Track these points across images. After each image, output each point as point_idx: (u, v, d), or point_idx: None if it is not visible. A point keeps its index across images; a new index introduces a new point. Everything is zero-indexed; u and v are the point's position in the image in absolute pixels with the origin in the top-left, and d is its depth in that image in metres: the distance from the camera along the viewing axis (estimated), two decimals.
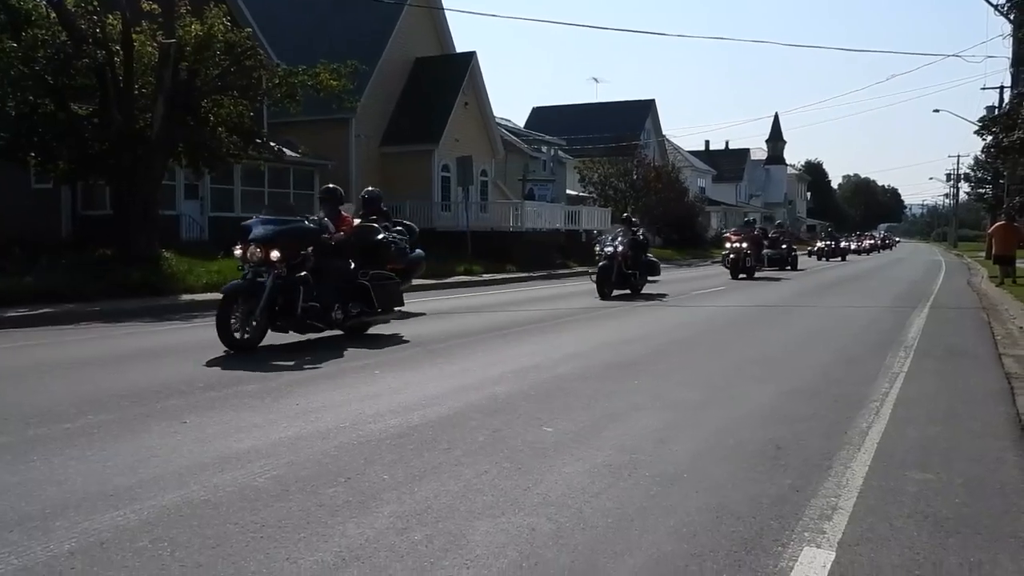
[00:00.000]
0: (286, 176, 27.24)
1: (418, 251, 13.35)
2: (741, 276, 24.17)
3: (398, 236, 12.31)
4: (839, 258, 45.80)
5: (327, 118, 26.73)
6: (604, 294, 16.23)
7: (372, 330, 10.32)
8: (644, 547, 3.48)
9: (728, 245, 25.68)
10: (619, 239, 17.02)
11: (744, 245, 24.42)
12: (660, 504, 4.01)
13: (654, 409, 6.15)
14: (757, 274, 25.44)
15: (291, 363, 8.01)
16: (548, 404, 6.28)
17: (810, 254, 45.56)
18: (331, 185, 11.18)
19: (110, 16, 16.33)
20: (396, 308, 10.53)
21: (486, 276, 22.37)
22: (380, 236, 10.85)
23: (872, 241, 71.36)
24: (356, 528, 3.66)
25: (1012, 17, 22.82)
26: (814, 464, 4.71)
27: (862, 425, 5.68)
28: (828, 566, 3.30)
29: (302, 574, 3.20)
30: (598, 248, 17.25)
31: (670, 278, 23.13)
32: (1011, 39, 24.52)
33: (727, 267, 25.22)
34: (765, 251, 29.10)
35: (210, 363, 7.84)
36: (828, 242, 47.07)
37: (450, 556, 3.37)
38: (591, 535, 3.61)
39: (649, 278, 17.81)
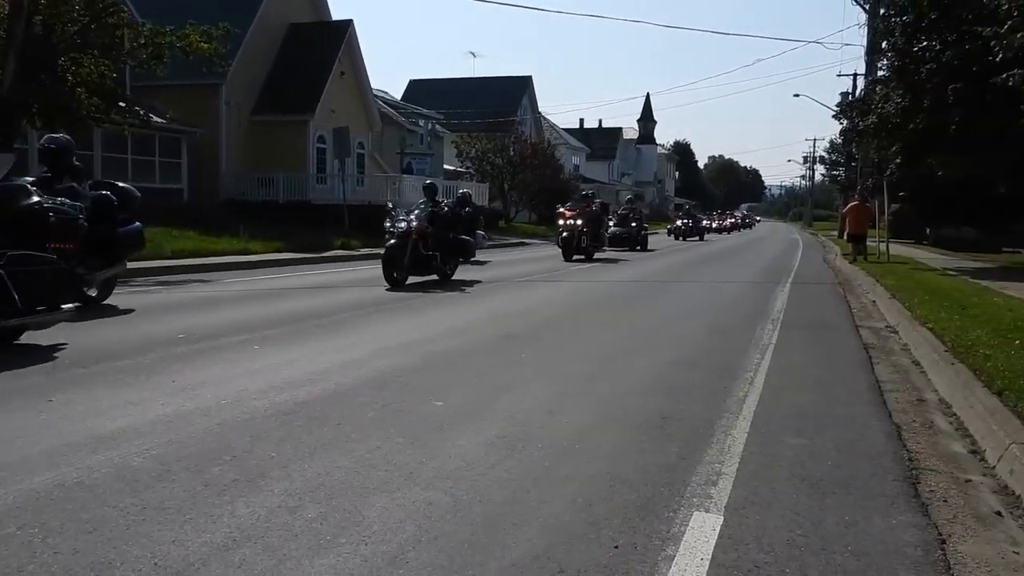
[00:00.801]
0: (151, 143, 25.91)
1: (134, 224, 10.54)
2: (577, 257, 21.20)
3: (66, 204, 8.63)
4: (697, 237, 42.94)
5: (196, 83, 25.52)
6: (394, 281, 13.02)
7: (247, 303, 9.98)
8: (542, 517, 3.51)
9: (561, 222, 21.92)
10: (415, 212, 14.09)
11: (579, 222, 21.48)
12: (555, 475, 4.06)
13: (543, 381, 6.22)
14: (598, 255, 22.76)
15: (163, 338, 7.63)
16: (438, 378, 6.25)
17: (669, 232, 44.12)
18: None
19: None
20: (67, 305, 7.41)
21: (364, 251, 21.98)
22: (30, 201, 7.40)
23: (733, 220, 71.04)
24: (246, 507, 3.53)
25: (868, 7, 24.14)
26: (698, 432, 4.87)
27: (739, 394, 5.92)
28: (717, 529, 3.42)
29: (190, 556, 3.05)
30: (388, 224, 13.95)
31: (520, 257, 23.45)
32: (866, 28, 25.98)
33: (560, 247, 21.91)
34: (612, 229, 27.23)
35: (73, 338, 7.35)
36: (686, 220, 44.42)
37: (346, 533, 3.30)
38: (489, 507, 3.61)
39: (462, 260, 15.49)
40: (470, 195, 17.96)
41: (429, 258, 13.78)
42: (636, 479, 4.00)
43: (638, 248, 28.16)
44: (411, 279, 13.56)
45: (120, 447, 4.29)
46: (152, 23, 17.68)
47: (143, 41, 17.15)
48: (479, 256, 17.40)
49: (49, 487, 3.69)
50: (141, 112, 19.13)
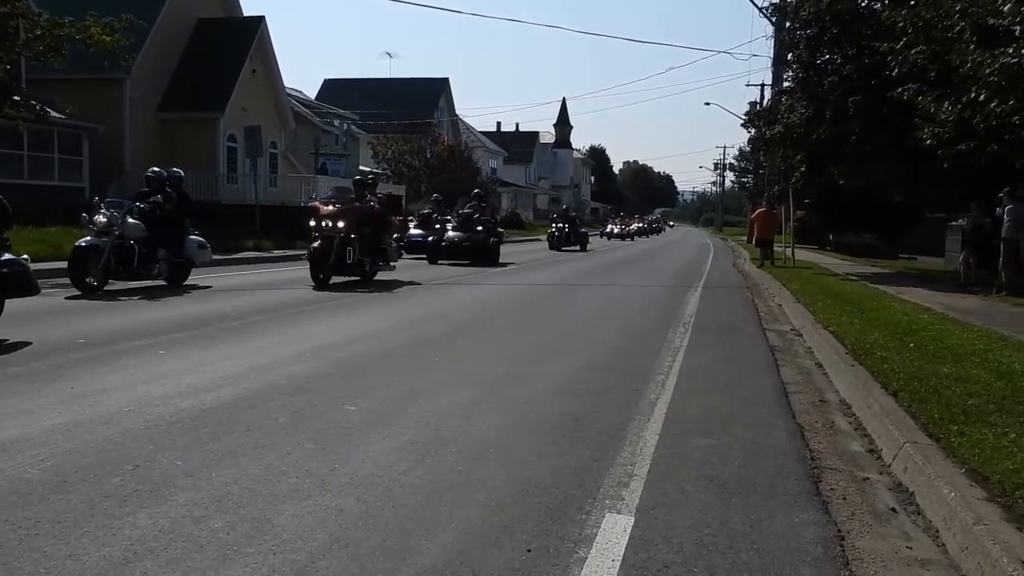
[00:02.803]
0: (49, 139, 24.80)
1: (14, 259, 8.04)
2: (337, 280, 13.55)
3: None
4: (577, 247, 32.65)
5: (98, 77, 24.63)
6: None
7: (153, 306, 9.64)
8: (455, 522, 3.49)
9: (312, 224, 13.73)
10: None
11: (340, 225, 13.42)
12: (468, 479, 4.05)
13: (457, 386, 6.20)
14: (387, 274, 15.32)
15: (61, 344, 7.31)
16: (350, 383, 6.16)
17: (549, 239, 33.91)
18: None
19: None
20: None
21: (277, 252, 21.54)
22: None
23: (640, 225, 68.25)
24: (148, 518, 3.40)
25: (774, 19, 24.90)
26: (610, 435, 4.93)
27: (651, 396, 6.03)
28: (628, 530, 3.47)
29: (87, 572, 2.93)
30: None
31: (420, 262, 23.36)
32: (773, 40, 26.82)
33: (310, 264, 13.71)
34: (450, 234, 21.21)
35: None
36: (560, 225, 33.17)
37: (254, 542, 3.21)
38: (401, 513, 3.58)
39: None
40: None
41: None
42: (549, 482, 4.03)
43: (481, 262, 20.22)
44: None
45: (12, 458, 4.08)
46: (50, 13, 16.91)
47: (40, 32, 16.37)
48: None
49: None
50: (37, 106, 18.21)
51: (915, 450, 4.29)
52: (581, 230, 34.66)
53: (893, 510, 3.88)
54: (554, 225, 34.45)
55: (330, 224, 13.43)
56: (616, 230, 53.68)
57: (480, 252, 20.65)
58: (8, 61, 16.75)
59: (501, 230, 24.46)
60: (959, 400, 5.32)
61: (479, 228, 21.13)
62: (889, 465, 4.50)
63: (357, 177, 17.69)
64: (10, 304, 7.94)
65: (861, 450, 4.88)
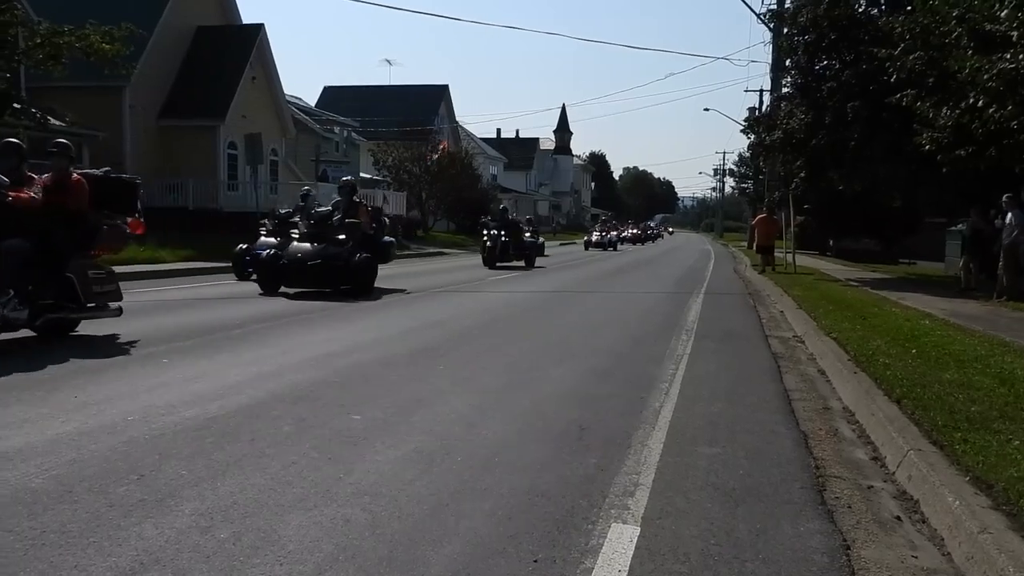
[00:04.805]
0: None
1: None
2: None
3: None
4: (522, 262, 24.71)
5: (97, 85, 24.55)
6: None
7: (157, 314, 9.63)
8: (461, 532, 3.49)
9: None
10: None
11: None
12: (474, 488, 4.04)
13: (461, 393, 6.20)
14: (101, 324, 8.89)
15: (61, 353, 7.30)
16: (353, 391, 6.16)
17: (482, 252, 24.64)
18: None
19: None
20: None
21: None
22: None
23: (635, 231, 63.68)
24: (154, 529, 3.40)
25: (772, 26, 24.98)
26: (615, 443, 4.93)
27: (655, 404, 6.03)
28: (635, 540, 3.46)
29: None
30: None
31: (439, 267, 23.42)
32: (771, 46, 26.87)
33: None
34: (296, 247, 13.63)
35: None
36: (496, 232, 24.21)
37: (261, 553, 3.21)
38: (408, 523, 3.57)
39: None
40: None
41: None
42: (555, 491, 4.03)
43: (348, 288, 13.32)
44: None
45: (17, 468, 4.08)
46: (49, 22, 16.96)
47: (39, 41, 16.45)
48: (395, 267, 17.29)
49: None
50: (38, 114, 18.27)
51: (919, 458, 4.29)
52: (527, 237, 25.43)
53: (898, 518, 3.88)
54: (487, 233, 24.49)
55: None
56: (596, 238, 45.70)
57: (337, 275, 13.18)
58: (8, 69, 16.83)
59: (391, 239, 16.75)
60: (962, 407, 5.32)
61: (341, 236, 13.50)
62: (893, 473, 4.50)
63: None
64: None
65: (865, 458, 4.88)
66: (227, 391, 5.95)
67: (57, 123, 22.17)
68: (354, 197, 14.77)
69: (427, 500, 3.85)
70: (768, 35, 27.86)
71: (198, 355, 7.48)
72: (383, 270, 15.21)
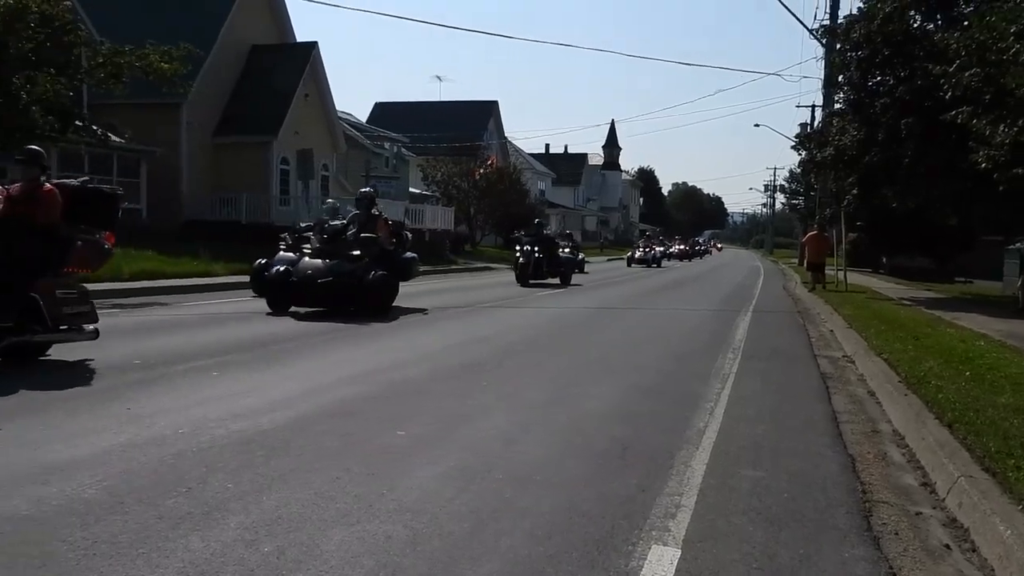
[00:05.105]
0: (109, 162, 25.55)
1: None
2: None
3: None
4: (557, 279, 22.57)
5: (155, 102, 25.26)
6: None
7: (209, 327, 9.82)
8: (501, 551, 3.50)
9: None
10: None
11: None
12: (514, 506, 4.06)
13: (504, 410, 6.21)
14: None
15: (118, 364, 7.50)
16: (400, 406, 6.22)
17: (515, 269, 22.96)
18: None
19: None
20: None
21: None
22: None
23: (681, 247, 61.54)
24: (200, 541, 3.48)
25: (825, 41, 24.69)
26: (657, 463, 4.90)
27: (699, 424, 5.97)
28: (675, 563, 3.44)
29: None
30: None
31: (484, 282, 23.40)
32: (823, 61, 26.53)
33: None
34: (306, 263, 12.71)
35: (18, 368, 7.17)
36: (530, 247, 22.42)
37: (303, 568, 3.26)
38: (448, 541, 3.60)
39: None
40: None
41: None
42: (596, 511, 4.02)
43: (363, 308, 12.35)
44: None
45: (72, 478, 4.20)
46: (111, 42, 17.51)
47: (101, 60, 16.99)
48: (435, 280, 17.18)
49: None
50: (98, 131, 18.86)
51: (970, 484, 4.19)
52: (565, 253, 24.47)
53: (947, 547, 3.79)
54: (519, 248, 23.03)
55: None
56: (639, 254, 43.69)
57: (351, 294, 12.28)
58: (71, 88, 17.37)
59: (413, 255, 14.77)
60: (1017, 432, 5.17)
61: (355, 252, 12.63)
62: (943, 499, 4.40)
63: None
64: None
65: (914, 483, 4.78)
66: (275, 405, 6.05)
67: (117, 139, 22.86)
68: (373, 210, 13.94)
69: (467, 517, 3.88)
70: (820, 51, 27.56)
71: (251, 368, 7.62)
72: (417, 285, 15.02)
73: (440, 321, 12.61)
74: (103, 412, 5.65)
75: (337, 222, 13.48)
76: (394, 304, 13.16)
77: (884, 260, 36.73)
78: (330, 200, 16.43)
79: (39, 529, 3.53)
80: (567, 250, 25.15)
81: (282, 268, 12.51)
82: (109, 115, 23.84)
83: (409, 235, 15.35)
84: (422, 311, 13.56)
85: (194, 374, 7.23)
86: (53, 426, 5.22)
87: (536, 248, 22.37)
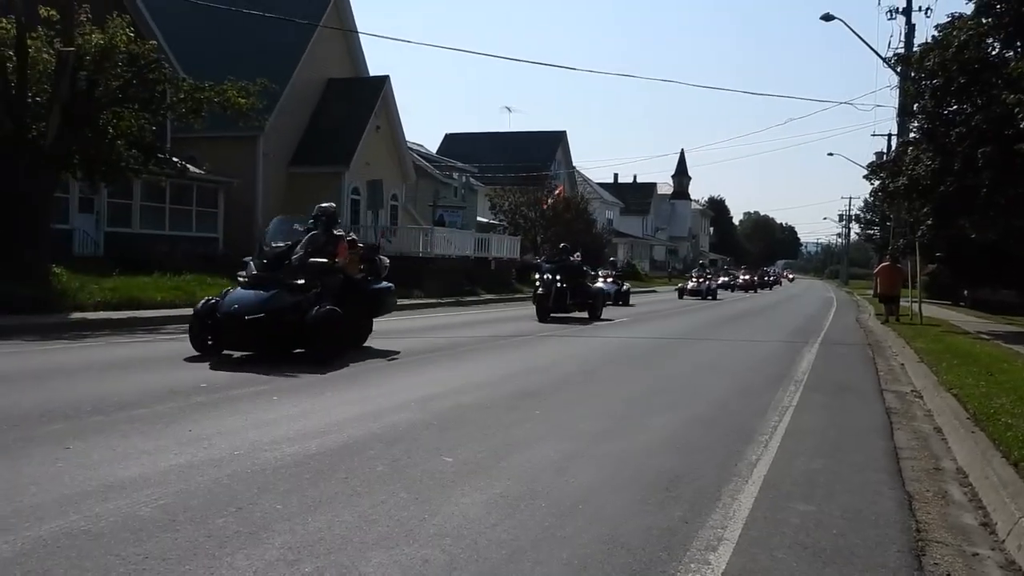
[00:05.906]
0: (188, 193, 26.53)
1: None
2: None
3: None
4: (585, 312, 20.27)
5: (233, 135, 26.17)
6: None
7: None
8: None
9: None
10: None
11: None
12: (555, 535, 4.06)
13: (554, 439, 6.22)
14: None
15: (184, 387, 7.76)
16: (450, 433, 6.28)
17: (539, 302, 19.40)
18: None
19: (3, 20, 15.65)
20: None
21: (404, 301, 22.14)
22: None
23: (746, 277, 58.03)
24: (245, 560, 3.58)
25: (899, 70, 24.21)
26: (704, 495, 4.84)
27: (752, 457, 5.88)
28: None
29: None
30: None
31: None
32: (898, 90, 26.00)
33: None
34: (234, 297, 9.99)
35: (98, 385, 7.51)
36: (553, 275, 19.16)
37: None
38: (484, 566, 3.62)
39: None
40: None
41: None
42: (636, 542, 3.99)
43: (304, 351, 10.00)
44: None
45: (130, 496, 4.37)
46: (192, 78, 18.26)
47: (182, 96, 17.70)
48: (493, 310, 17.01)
49: (56, 535, 3.76)
50: (179, 163, 19.62)
51: None
52: (608, 283, 22.25)
53: None
54: (539, 277, 19.66)
55: None
56: (692, 285, 40.05)
57: (285, 334, 9.82)
58: (155, 123, 18.15)
59: (389, 285, 12.42)
60: None
61: (299, 281, 10.07)
62: (1003, 541, 4.24)
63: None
64: (141, 347, 8.50)
65: (974, 523, 4.61)
66: (329, 429, 6.18)
67: (196, 171, 23.75)
68: (335, 230, 11.20)
69: (507, 544, 3.89)
70: (895, 79, 26.97)
71: (307, 393, 7.79)
72: (463, 314, 14.90)
73: (508, 348, 12.62)
74: (166, 433, 5.84)
75: (280, 244, 10.67)
76: (366, 344, 11.53)
77: (965, 293, 35.48)
78: (324, 204, 11.81)
79: (94, 544, 3.68)
80: (609, 279, 23.42)
81: (207, 301, 10.17)
82: (190, 147, 24.85)
83: (387, 261, 12.79)
84: (394, 354, 11.15)
85: (255, 398, 7.41)
86: (116, 446, 5.42)
87: (558, 276, 19.23)
